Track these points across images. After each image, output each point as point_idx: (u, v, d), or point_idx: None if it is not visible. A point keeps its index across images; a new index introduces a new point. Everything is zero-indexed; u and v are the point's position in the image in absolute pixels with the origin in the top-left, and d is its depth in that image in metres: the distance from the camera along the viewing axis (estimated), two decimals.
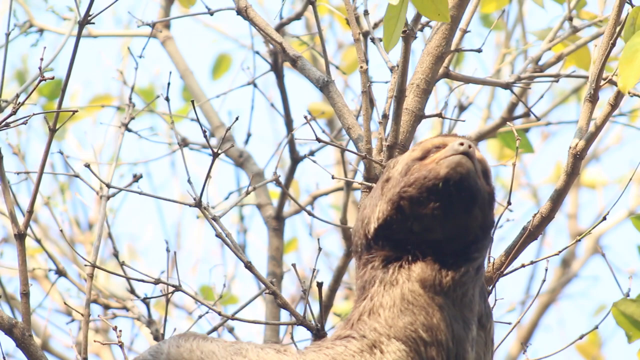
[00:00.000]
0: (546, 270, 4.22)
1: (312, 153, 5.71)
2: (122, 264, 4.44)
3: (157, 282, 4.18)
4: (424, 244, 3.58)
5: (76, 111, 4.00)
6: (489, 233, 3.65)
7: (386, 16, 3.85)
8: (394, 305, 3.52)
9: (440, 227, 3.57)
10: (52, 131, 3.93)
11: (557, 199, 3.94)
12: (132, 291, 5.29)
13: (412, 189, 3.59)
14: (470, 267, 3.59)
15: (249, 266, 4.01)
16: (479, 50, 4.43)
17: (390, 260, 3.60)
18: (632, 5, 3.93)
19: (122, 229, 10.01)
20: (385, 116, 4.09)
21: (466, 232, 3.59)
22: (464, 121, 5.33)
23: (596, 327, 4.42)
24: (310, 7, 4.26)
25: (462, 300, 3.57)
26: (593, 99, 3.91)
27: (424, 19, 4.43)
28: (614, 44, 3.88)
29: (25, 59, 7.13)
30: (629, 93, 3.84)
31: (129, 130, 5.13)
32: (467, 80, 4.49)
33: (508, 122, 5.49)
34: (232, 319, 4.16)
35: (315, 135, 4.09)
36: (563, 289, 8.66)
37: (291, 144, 5.74)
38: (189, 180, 4.10)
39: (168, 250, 4.49)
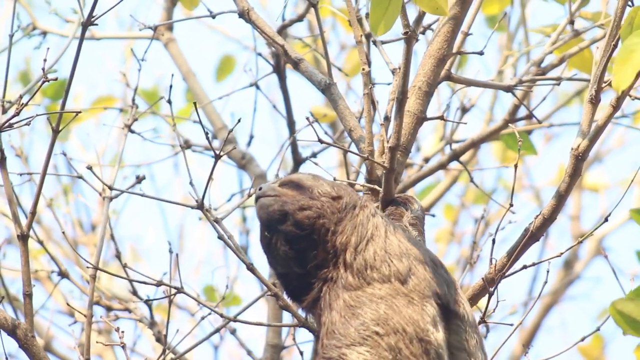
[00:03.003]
0: (547, 272, 4.22)
1: (314, 155, 5.71)
2: (124, 266, 4.44)
3: (159, 284, 4.19)
4: (311, 268, 3.81)
5: (79, 112, 4.00)
6: (326, 215, 3.83)
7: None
8: (342, 316, 3.68)
9: (293, 247, 3.84)
10: (55, 132, 3.93)
11: (559, 200, 3.94)
12: (135, 293, 5.29)
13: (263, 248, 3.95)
14: (346, 246, 3.77)
15: (250, 268, 4.02)
16: (481, 53, 4.42)
17: (314, 300, 3.80)
18: (633, 6, 3.93)
19: (126, 230, 10.01)
20: (387, 118, 4.09)
21: (310, 230, 3.82)
22: (465, 123, 5.31)
23: (597, 330, 4.42)
24: (313, 9, 4.25)
25: (400, 281, 3.71)
26: (595, 100, 3.91)
27: (425, 21, 4.43)
28: (615, 46, 3.87)
29: (28, 61, 7.14)
30: (630, 96, 3.84)
31: (132, 132, 5.13)
32: (469, 83, 4.49)
33: (510, 124, 5.48)
34: (234, 321, 4.17)
35: (318, 137, 4.10)
36: (566, 290, 8.65)
37: (293, 145, 5.74)
38: (190, 183, 4.10)
39: (171, 252, 4.50)
